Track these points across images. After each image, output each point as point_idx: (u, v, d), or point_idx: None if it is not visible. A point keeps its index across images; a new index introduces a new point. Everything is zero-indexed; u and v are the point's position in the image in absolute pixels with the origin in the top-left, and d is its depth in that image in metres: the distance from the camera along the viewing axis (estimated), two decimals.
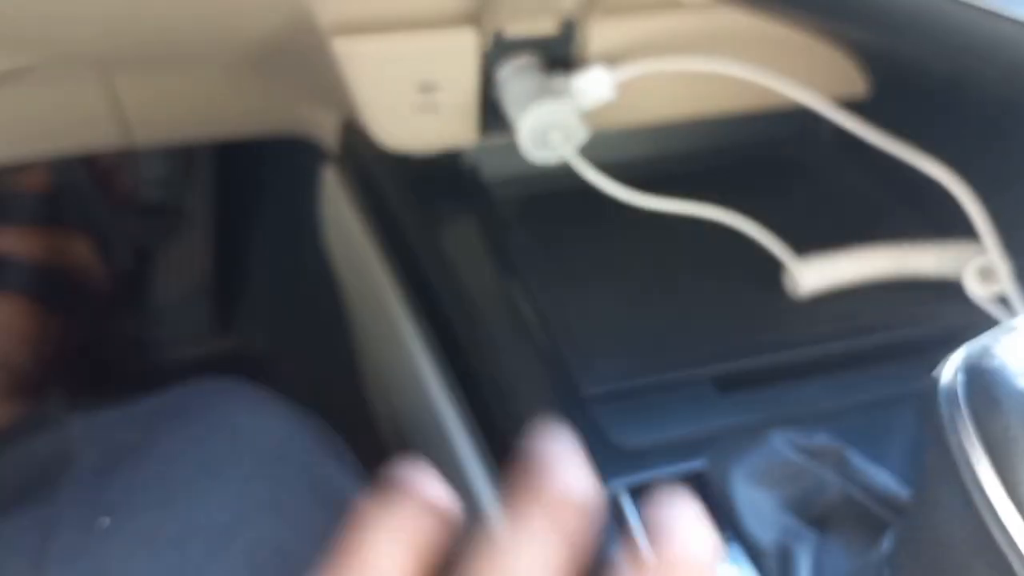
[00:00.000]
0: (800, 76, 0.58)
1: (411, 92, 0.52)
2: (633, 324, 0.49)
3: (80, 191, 0.96)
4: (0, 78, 0.51)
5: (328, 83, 0.54)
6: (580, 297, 0.51)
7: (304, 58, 0.54)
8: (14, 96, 0.56)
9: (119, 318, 1.07)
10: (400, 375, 0.56)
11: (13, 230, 0.93)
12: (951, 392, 0.25)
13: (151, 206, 1.03)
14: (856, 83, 0.62)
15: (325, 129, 0.68)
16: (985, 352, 0.25)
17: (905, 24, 0.38)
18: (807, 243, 0.54)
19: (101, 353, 1.04)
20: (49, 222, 0.95)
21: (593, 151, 0.58)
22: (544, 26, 0.53)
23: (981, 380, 0.25)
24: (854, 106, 0.64)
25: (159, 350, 1.10)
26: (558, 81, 0.53)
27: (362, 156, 0.64)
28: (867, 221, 0.59)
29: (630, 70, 0.53)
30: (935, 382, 0.26)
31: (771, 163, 0.64)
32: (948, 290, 0.52)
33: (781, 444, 0.39)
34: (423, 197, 0.59)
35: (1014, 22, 0.38)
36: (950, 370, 0.26)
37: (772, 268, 0.53)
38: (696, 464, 0.40)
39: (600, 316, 0.50)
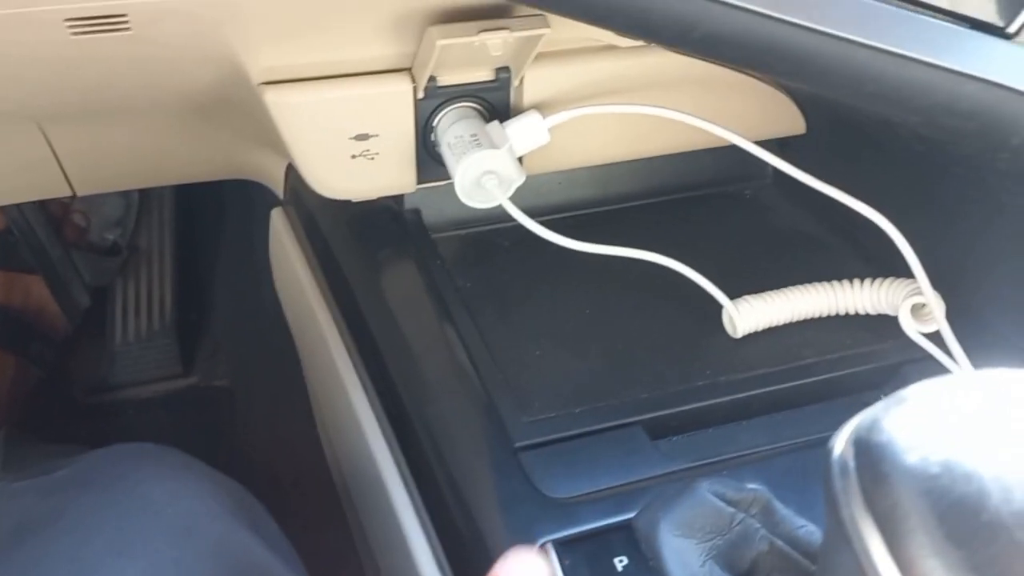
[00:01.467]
0: (737, 115, 0.59)
1: (345, 141, 0.52)
2: (568, 370, 0.49)
3: (33, 232, 0.95)
4: None
5: (271, 129, 0.54)
6: (517, 343, 0.51)
7: (246, 105, 0.54)
8: None
9: (78, 358, 1.06)
10: (340, 419, 0.56)
11: None
12: (843, 465, 0.25)
13: (107, 245, 1.03)
14: (795, 121, 0.63)
15: (272, 172, 0.68)
16: (874, 425, 0.25)
17: (819, 72, 0.39)
18: (745, 281, 0.54)
19: (59, 393, 1.03)
20: (2, 264, 0.94)
21: (533, 192, 0.59)
22: (479, 73, 0.53)
23: (870, 455, 0.25)
24: (795, 143, 0.65)
25: (119, 389, 1.09)
26: (494, 127, 0.53)
27: (306, 199, 0.64)
28: (806, 257, 0.59)
29: (564, 115, 0.53)
30: (829, 453, 0.26)
31: (715, 199, 0.64)
32: (885, 326, 0.53)
33: (709, 494, 0.39)
34: (364, 240, 0.59)
35: (928, 65, 0.38)
36: (842, 442, 0.26)
37: (711, 308, 0.53)
38: (625, 515, 0.40)
39: (536, 362, 0.50)
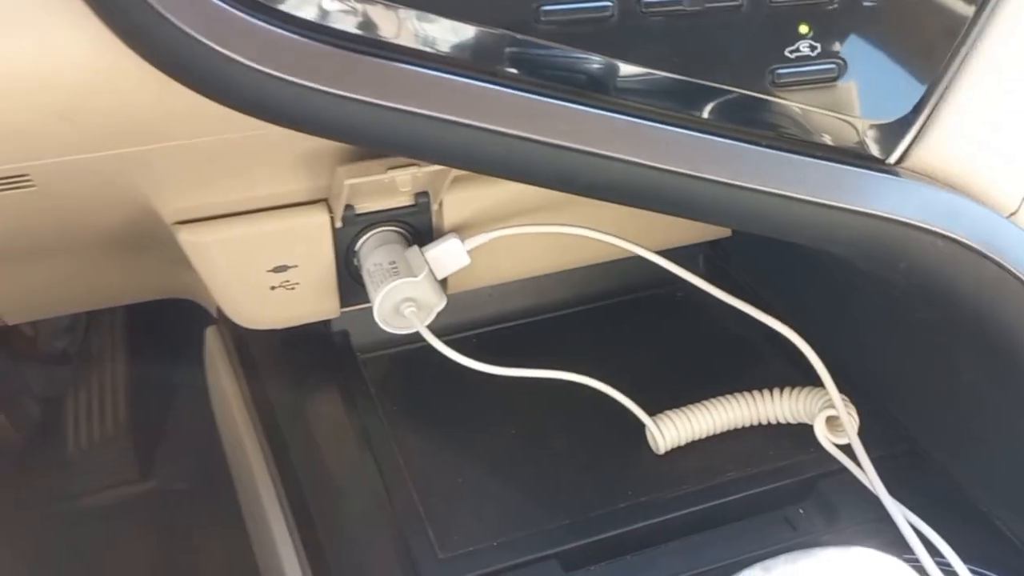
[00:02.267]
0: (659, 223, 0.60)
1: (264, 274, 0.52)
2: (490, 497, 0.49)
3: None
4: None
5: None
6: (440, 469, 0.51)
7: (165, 236, 0.55)
8: None
9: (33, 471, 1.05)
10: (264, 548, 0.55)
11: None
12: None
13: (57, 354, 1.02)
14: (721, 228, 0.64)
15: (203, 292, 0.68)
16: None
17: (703, 212, 0.40)
18: (671, 392, 0.55)
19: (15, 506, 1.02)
20: None
21: (462, 307, 0.60)
22: (398, 199, 0.54)
23: None
24: (724, 243, 0.67)
25: (76, 498, 1.08)
26: (413, 253, 0.54)
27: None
28: (732, 360, 0.60)
29: (483, 237, 0.54)
30: None
31: (646, 303, 0.65)
32: (805, 434, 0.53)
33: None
34: (292, 363, 0.60)
35: (804, 202, 0.40)
36: None
37: (637, 423, 0.54)
38: None
39: (458, 490, 0.50)
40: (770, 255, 0.63)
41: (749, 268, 0.65)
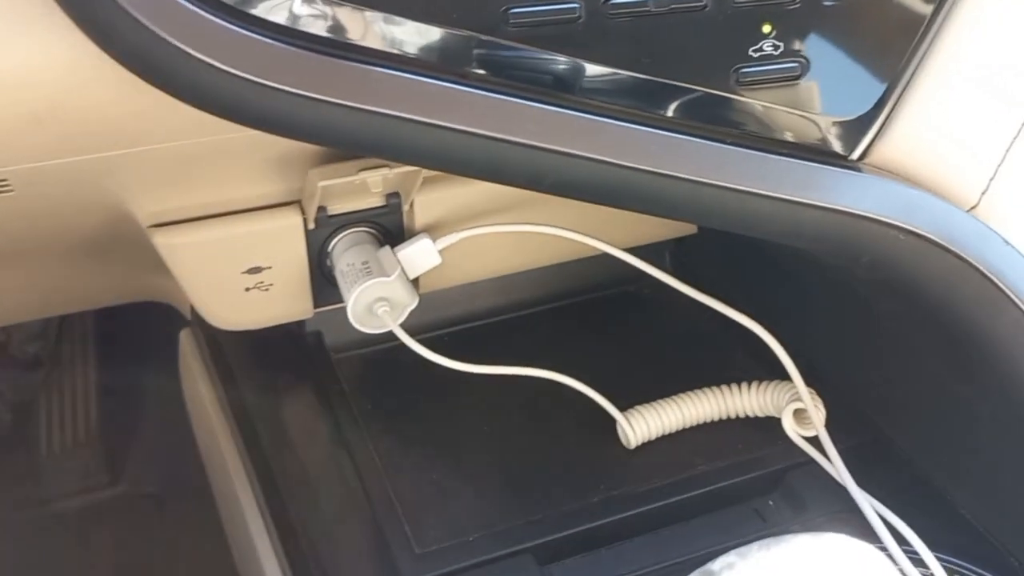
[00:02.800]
0: (627, 220, 0.61)
1: (238, 275, 0.53)
2: (465, 494, 0.50)
3: None
4: None
5: None
6: (415, 467, 0.51)
7: (140, 239, 0.55)
8: None
9: (3, 476, 1.04)
10: (241, 548, 0.55)
11: None
12: None
13: (28, 359, 1.02)
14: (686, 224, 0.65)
15: (176, 295, 0.68)
16: None
17: (669, 208, 0.41)
18: (641, 387, 0.56)
19: None
20: None
21: (433, 306, 0.60)
22: (370, 200, 0.55)
23: None
24: (689, 240, 0.67)
25: (48, 503, 1.07)
26: (385, 253, 0.54)
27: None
28: (700, 355, 0.61)
29: (454, 236, 0.55)
30: None
31: (615, 300, 0.66)
32: (773, 427, 0.54)
33: None
34: (266, 364, 0.60)
35: (767, 197, 0.40)
36: None
37: (608, 419, 0.54)
38: None
39: (433, 487, 0.50)
40: (736, 251, 0.64)
41: (715, 264, 0.66)
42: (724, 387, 0.55)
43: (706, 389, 0.55)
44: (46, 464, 1.05)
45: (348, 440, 0.52)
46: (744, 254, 0.63)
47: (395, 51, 0.35)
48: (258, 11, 0.34)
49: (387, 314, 0.53)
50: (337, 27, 0.35)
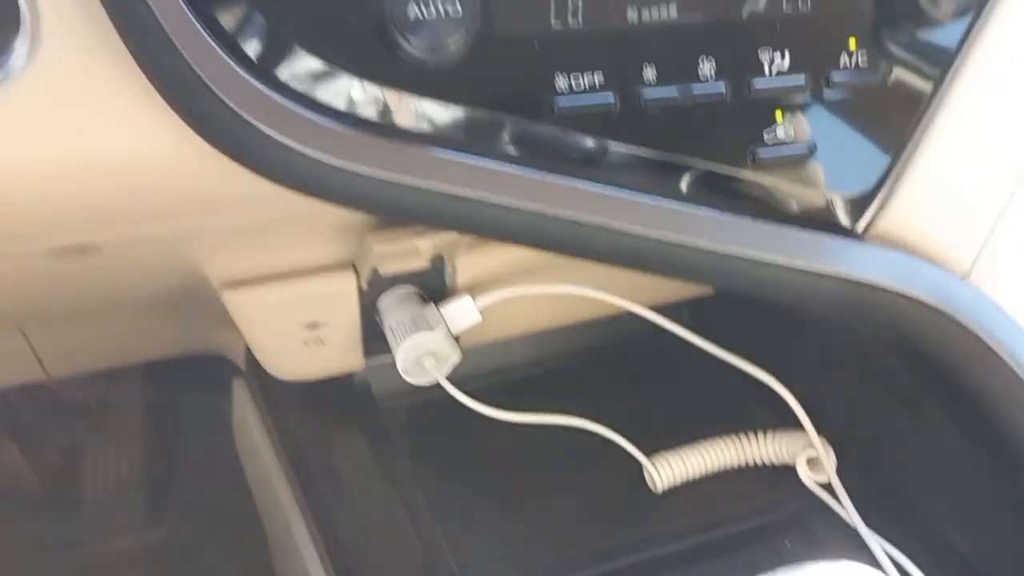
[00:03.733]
0: (652, 281, 0.66)
1: (298, 330, 0.58)
2: (504, 537, 0.54)
3: (5, 397, 0.99)
4: None
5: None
6: (456, 511, 0.56)
7: (206, 296, 0.60)
8: None
9: (50, 517, 1.09)
10: None
11: None
12: None
13: (76, 406, 1.07)
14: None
15: (232, 346, 0.73)
16: None
17: (691, 274, 0.46)
18: (668, 435, 0.60)
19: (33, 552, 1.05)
20: None
21: (474, 359, 0.65)
22: (416, 262, 0.60)
23: None
24: (708, 300, 0.72)
25: (90, 545, 1.11)
26: (430, 310, 0.59)
27: (266, 373, 0.69)
28: (723, 405, 0.65)
29: (494, 296, 0.60)
30: None
31: (638, 356, 0.71)
32: (789, 474, 0.58)
33: None
34: (319, 412, 0.64)
35: (780, 267, 0.45)
36: None
37: (634, 465, 0.59)
38: None
39: (475, 529, 0.55)
40: (750, 308, 0.69)
41: (731, 320, 0.70)
42: (742, 436, 0.59)
43: (726, 437, 0.59)
44: (92, 507, 1.09)
45: (398, 483, 0.57)
46: (758, 311, 0.68)
47: (460, 137, 0.40)
48: (340, 105, 0.39)
49: (433, 367, 0.58)
50: (409, 115, 0.40)
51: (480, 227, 0.44)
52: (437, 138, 0.41)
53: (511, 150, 0.42)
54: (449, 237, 0.55)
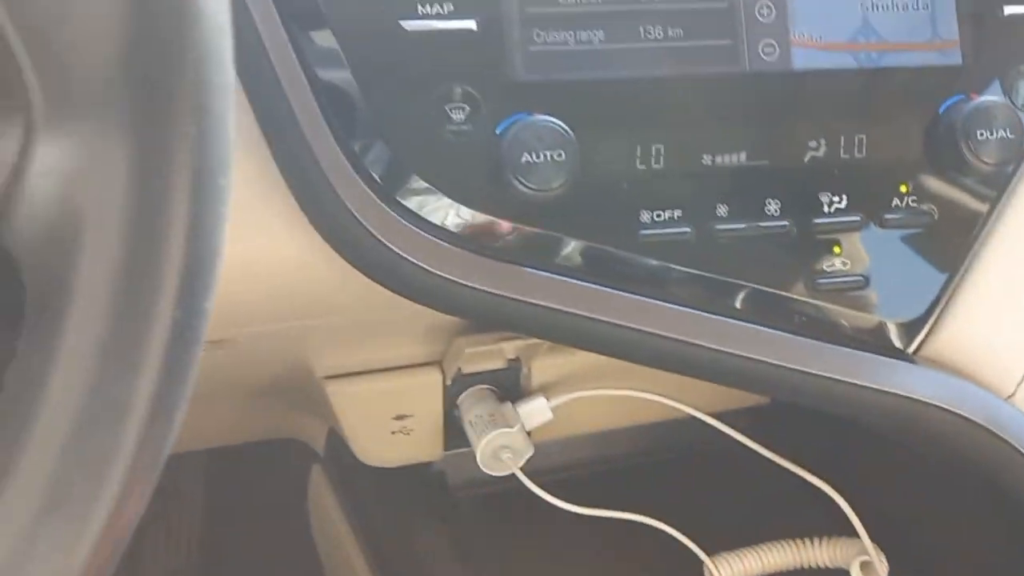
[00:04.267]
0: (715, 390, 0.70)
1: (388, 420, 0.63)
2: None
3: None
4: None
5: (318, 402, 0.65)
6: None
7: (303, 386, 0.66)
8: None
9: None
10: None
11: None
12: None
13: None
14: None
15: (314, 434, 0.79)
16: None
17: (757, 386, 0.51)
18: (727, 535, 0.64)
19: None
20: None
21: (545, 454, 0.69)
22: (496, 363, 0.65)
23: None
24: (766, 408, 0.76)
25: None
26: (507, 408, 0.64)
27: (344, 458, 0.74)
28: (782, 508, 0.69)
29: (565, 397, 0.65)
30: None
31: (700, 457, 0.75)
32: None
33: None
34: (395, 498, 0.69)
35: (838, 382, 0.50)
36: None
37: (694, 563, 0.62)
38: None
39: None
40: (808, 416, 0.73)
41: (789, 427, 0.75)
42: (799, 540, 0.63)
43: (783, 541, 0.63)
44: None
45: (473, 567, 0.61)
46: (815, 418, 0.72)
47: (560, 262, 0.46)
48: (455, 228, 0.45)
49: (510, 460, 0.63)
50: (512, 240, 0.46)
51: (566, 337, 0.49)
52: (536, 260, 0.47)
53: (597, 272, 0.47)
54: (530, 342, 0.61)
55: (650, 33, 0.47)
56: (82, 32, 0.22)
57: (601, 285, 0.47)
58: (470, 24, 0.45)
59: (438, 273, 0.45)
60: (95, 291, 0.23)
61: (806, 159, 0.49)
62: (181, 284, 0.24)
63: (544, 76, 0.46)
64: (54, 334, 0.23)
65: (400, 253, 0.45)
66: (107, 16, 0.21)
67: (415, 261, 0.45)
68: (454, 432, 0.66)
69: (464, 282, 0.46)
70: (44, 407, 0.24)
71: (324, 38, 0.44)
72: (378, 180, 0.44)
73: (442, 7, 0.45)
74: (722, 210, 0.48)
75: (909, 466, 0.64)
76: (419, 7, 0.44)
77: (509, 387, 0.67)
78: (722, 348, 0.49)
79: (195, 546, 1.14)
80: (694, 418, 0.73)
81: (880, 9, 0.50)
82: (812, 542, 0.62)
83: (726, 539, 0.63)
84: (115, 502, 0.25)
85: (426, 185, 0.45)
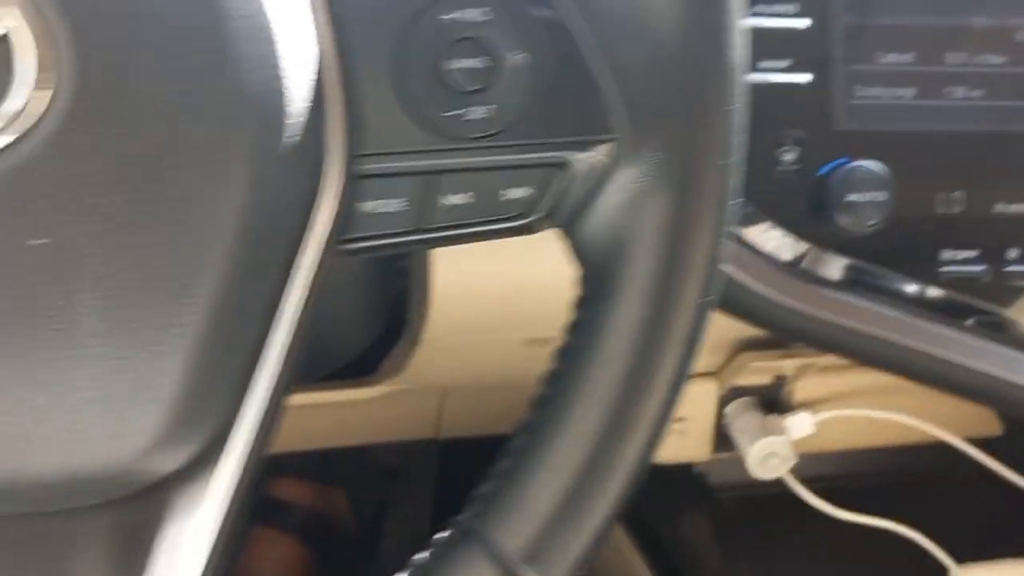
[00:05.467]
0: (950, 418, 0.76)
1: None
2: None
3: (345, 455, 1.19)
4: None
5: None
6: None
7: None
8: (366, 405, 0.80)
9: (357, 560, 1.26)
10: None
11: (292, 480, 1.16)
12: None
13: (391, 469, 1.25)
14: (993, 424, 0.79)
15: None
16: None
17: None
18: (972, 551, 0.69)
19: None
20: (319, 479, 1.18)
21: (806, 464, 0.77)
22: (764, 379, 0.74)
23: None
24: (995, 442, 0.81)
25: None
26: (773, 419, 0.72)
27: None
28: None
29: (827, 415, 0.72)
30: None
31: (948, 480, 0.80)
32: None
33: None
34: (662, 495, 0.78)
35: None
36: None
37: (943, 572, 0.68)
38: None
39: None
40: None
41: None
42: None
43: None
44: (390, 556, 1.25)
45: (732, 562, 0.70)
46: None
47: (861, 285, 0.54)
48: (784, 256, 0.54)
49: (777, 465, 0.71)
50: (827, 267, 0.55)
51: (861, 355, 0.57)
52: (845, 285, 0.55)
53: (897, 299, 0.55)
54: (807, 361, 0.69)
55: (954, 92, 0.55)
56: (660, 76, 0.31)
57: (899, 311, 0.55)
58: (805, 78, 0.54)
59: (761, 294, 0.54)
60: (641, 283, 0.33)
61: None
62: (706, 278, 0.34)
63: (862, 126, 0.54)
64: (607, 311, 0.34)
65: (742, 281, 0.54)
66: (678, 66, 0.31)
67: (741, 282, 0.54)
68: (721, 437, 0.75)
69: (790, 305, 0.54)
70: (596, 366, 0.34)
71: None
72: None
73: (779, 62, 0.54)
74: (1012, 253, 0.55)
75: None
76: (755, 62, 0.54)
77: (774, 401, 0.75)
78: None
79: (427, 529, 1.27)
80: (945, 444, 0.79)
81: None
82: None
83: (974, 553, 0.69)
84: (651, 432, 0.35)
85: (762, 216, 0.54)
